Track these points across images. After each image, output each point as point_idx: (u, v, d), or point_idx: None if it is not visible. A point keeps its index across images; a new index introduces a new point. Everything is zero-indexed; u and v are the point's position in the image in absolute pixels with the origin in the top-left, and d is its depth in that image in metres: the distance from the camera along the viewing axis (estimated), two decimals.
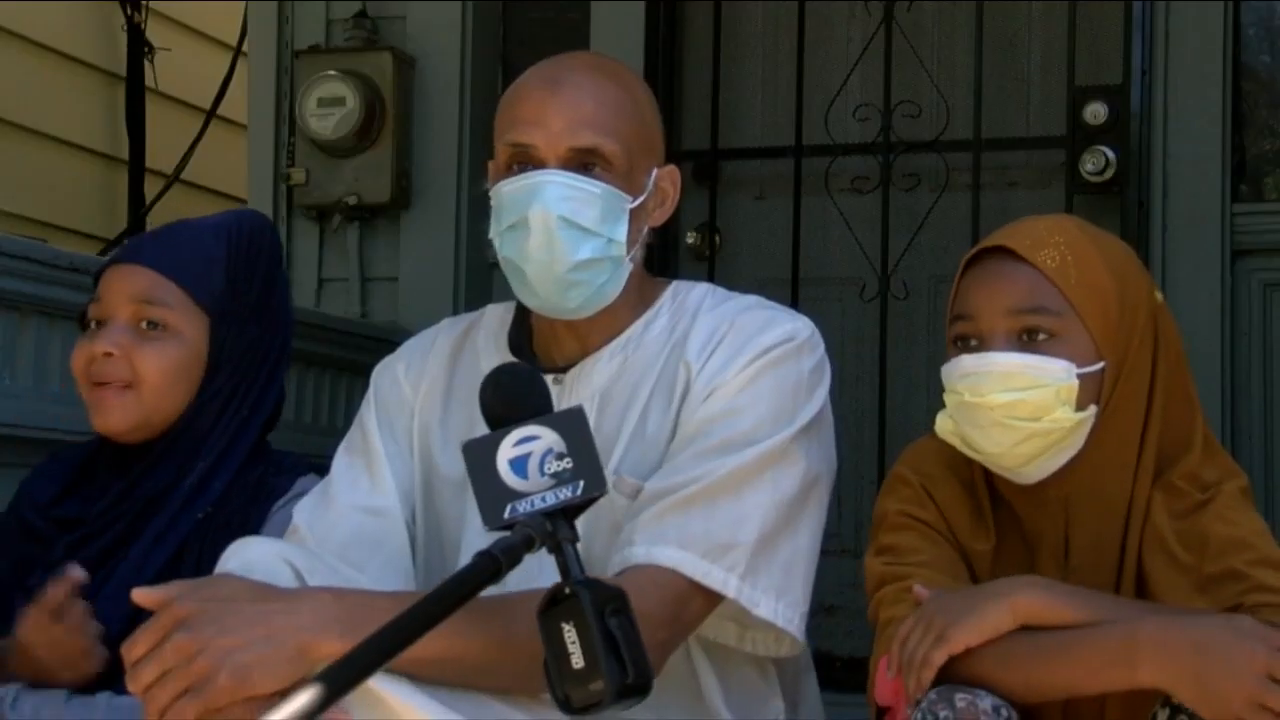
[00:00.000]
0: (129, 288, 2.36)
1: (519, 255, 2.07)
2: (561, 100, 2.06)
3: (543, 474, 1.67)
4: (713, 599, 1.99)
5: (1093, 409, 2.09)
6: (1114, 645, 1.90)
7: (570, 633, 1.55)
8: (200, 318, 2.37)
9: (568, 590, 1.57)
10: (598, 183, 2.06)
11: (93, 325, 2.39)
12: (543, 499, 1.65)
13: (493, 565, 1.58)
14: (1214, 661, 1.84)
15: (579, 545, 1.65)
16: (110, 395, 2.34)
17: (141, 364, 2.33)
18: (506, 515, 1.65)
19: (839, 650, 3.81)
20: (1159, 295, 2.19)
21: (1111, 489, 2.12)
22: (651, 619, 1.89)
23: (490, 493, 1.67)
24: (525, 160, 2.07)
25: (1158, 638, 1.88)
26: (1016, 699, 1.94)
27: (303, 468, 2.42)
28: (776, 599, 2.01)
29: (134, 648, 1.73)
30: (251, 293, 2.42)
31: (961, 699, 1.91)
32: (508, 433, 1.69)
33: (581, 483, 1.66)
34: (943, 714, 1.90)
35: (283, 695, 1.73)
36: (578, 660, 1.55)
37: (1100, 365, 2.09)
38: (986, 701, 1.92)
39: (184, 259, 2.38)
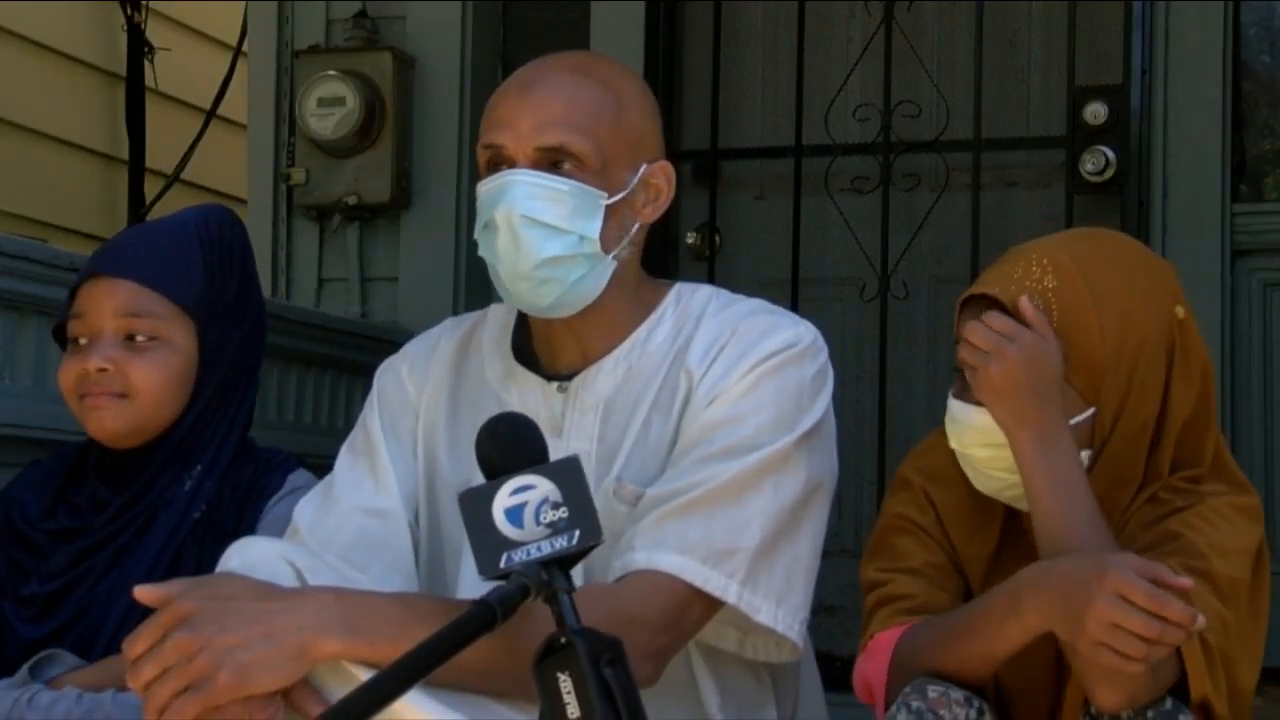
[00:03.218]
0: (112, 302, 2.32)
1: (491, 254, 2.07)
2: (533, 101, 2.06)
3: (538, 523, 1.67)
4: (713, 605, 1.98)
5: (1085, 454, 2.08)
6: (1002, 600, 1.98)
7: (566, 682, 1.55)
8: (187, 323, 2.35)
9: (564, 640, 1.57)
10: (566, 180, 2.05)
11: (77, 342, 2.35)
12: (538, 548, 1.66)
13: (489, 614, 1.59)
14: (1077, 589, 1.89)
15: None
16: (105, 401, 2.31)
17: (136, 376, 2.31)
18: (502, 565, 1.66)
19: (839, 650, 3.80)
20: (1180, 311, 2.15)
21: (1111, 508, 2.10)
22: (652, 625, 1.90)
23: (486, 542, 1.68)
24: (499, 161, 2.07)
25: (1035, 580, 1.95)
26: (973, 681, 2.02)
27: (292, 463, 2.41)
28: (777, 605, 2.00)
29: (134, 645, 1.73)
30: (230, 291, 2.40)
31: (934, 690, 1.99)
32: (503, 482, 1.69)
33: (577, 532, 1.67)
34: (914, 704, 1.99)
35: (283, 694, 1.75)
36: (573, 710, 1.55)
37: (1089, 413, 2.08)
38: (958, 693, 2.00)
39: (162, 265, 2.35)
